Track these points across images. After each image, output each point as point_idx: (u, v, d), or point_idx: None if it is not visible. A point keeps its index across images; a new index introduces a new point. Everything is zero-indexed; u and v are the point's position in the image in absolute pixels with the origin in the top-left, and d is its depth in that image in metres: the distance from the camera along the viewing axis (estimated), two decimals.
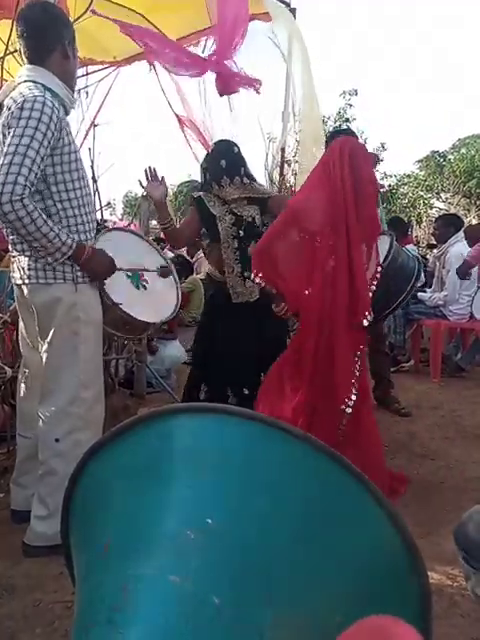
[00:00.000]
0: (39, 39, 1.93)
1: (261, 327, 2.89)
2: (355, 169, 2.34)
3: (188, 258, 8.95)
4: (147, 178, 2.74)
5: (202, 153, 4.94)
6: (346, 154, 2.35)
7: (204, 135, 4.91)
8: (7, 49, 2.71)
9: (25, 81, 1.90)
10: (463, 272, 4.60)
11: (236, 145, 2.94)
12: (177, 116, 5.07)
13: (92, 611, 0.82)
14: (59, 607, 1.70)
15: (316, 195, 2.43)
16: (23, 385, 2.19)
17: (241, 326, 2.86)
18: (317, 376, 2.38)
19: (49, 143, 1.80)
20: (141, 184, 2.75)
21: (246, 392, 2.85)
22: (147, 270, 2.61)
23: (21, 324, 2.16)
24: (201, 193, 2.90)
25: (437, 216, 5.41)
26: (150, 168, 2.74)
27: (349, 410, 2.33)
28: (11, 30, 2.14)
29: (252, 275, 2.63)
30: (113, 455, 0.96)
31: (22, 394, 2.19)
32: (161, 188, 2.75)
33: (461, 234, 5.00)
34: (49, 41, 1.93)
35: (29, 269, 1.93)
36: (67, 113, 1.97)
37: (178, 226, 3.00)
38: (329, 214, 2.35)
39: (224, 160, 2.85)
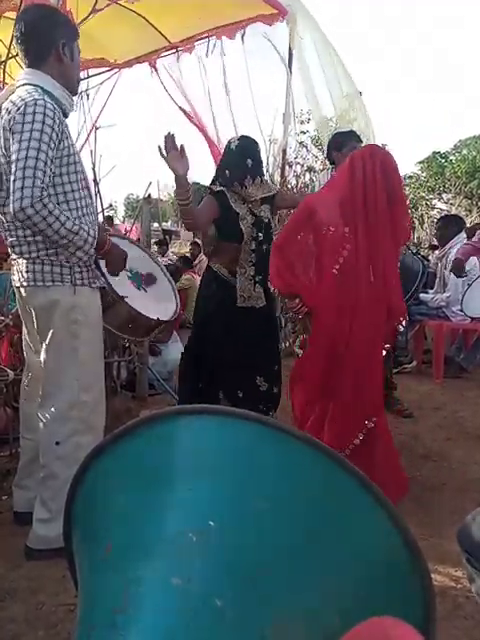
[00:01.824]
0: (33, 42, 1.93)
1: (261, 333, 2.86)
2: (387, 174, 2.36)
3: (189, 258, 8.98)
4: (166, 147, 2.50)
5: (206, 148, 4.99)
6: (378, 159, 2.38)
7: (207, 132, 4.93)
8: (9, 53, 2.72)
9: (23, 84, 1.90)
10: (457, 269, 4.59)
11: (257, 143, 2.88)
12: (182, 110, 5.09)
13: (94, 614, 0.82)
14: (61, 610, 1.70)
15: (332, 194, 2.45)
16: (26, 388, 2.19)
17: (244, 330, 2.80)
18: (340, 377, 2.39)
19: (55, 144, 1.82)
20: (161, 153, 2.50)
21: (240, 395, 2.83)
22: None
23: (24, 327, 2.16)
24: (222, 188, 2.78)
25: (439, 217, 5.41)
26: (170, 134, 2.51)
27: (371, 425, 2.36)
28: (13, 34, 2.15)
29: (270, 284, 2.61)
30: (115, 458, 0.96)
31: (25, 397, 2.19)
32: (184, 160, 2.51)
33: (463, 235, 5.00)
34: (42, 44, 1.92)
35: (27, 271, 1.93)
36: (65, 116, 1.98)
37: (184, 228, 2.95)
38: (344, 209, 2.37)
39: (250, 159, 2.77)
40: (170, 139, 2.50)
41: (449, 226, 5.10)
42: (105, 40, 4.47)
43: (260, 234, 2.78)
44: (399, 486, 2.41)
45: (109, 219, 11.71)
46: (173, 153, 2.49)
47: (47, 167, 1.78)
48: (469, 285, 4.69)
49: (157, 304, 2.62)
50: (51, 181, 1.88)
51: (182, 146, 2.51)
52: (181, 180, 2.55)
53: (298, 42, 4.27)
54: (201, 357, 2.88)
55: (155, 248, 7.98)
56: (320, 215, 2.39)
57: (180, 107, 5.10)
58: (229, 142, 2.88)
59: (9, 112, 1.83)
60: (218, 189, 2.77)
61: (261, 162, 2.86)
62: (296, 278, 2.43)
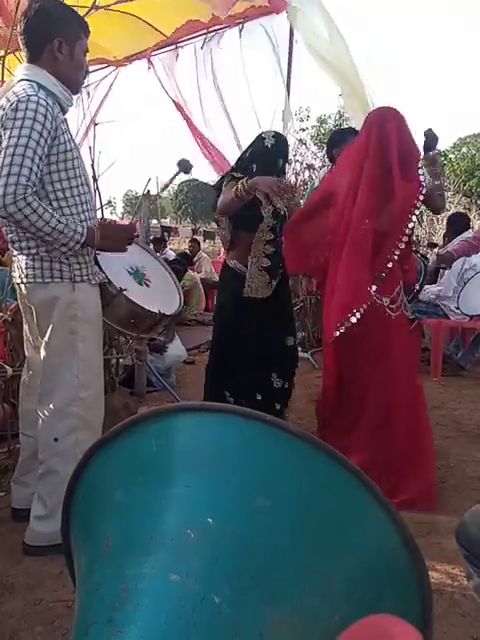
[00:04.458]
0: (31, 38, 1.91)
1: (275, 327, 2.84)
2: (383, 137, 2.31)
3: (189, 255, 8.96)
4: (286, 191, 2.49)
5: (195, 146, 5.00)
6: (376, 124, 2.35)
7: (202, 132, 4.94)
8: (8, 48, 2.71)
9: (20, 80, 1.89)
10: (444, 261, 4.57)
11: (288, 142, 2.92)
12: (175, 103, 5.10)
13: (92, 610, 0.82)
14: (59, 606, 1.70)
15: (342, 171, 2.44)
16: (26, 384, 2.19)
17: (259, 324, 2.78)
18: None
19: (46, 142, 1.80)
20: (273, 189, 2.43)
21: (259, 397, 2.82)
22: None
23: (25, 323, 2.15)
24: (244, 176, 2.67)
25: (448, 216, 5.44)
26: (288, 187, 2.55)
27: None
28: (11, 29, 2.14)
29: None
30: (114, 454, 0.96)
31: (25, 393, 2.19)
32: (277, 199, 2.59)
33: (470, 232, 4.98)
34: (37, 40, 1.91)
35: (27, 268, 1.92)
36: (64, 112, 1.96)
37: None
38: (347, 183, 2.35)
39: (282, 159, 2.76)
40: (285, 188, 2.48)
41: (454, 224, 5.10)
42: (104, 36, 4.45)
43: (277, 225, 2.77)
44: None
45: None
46: (276, 193, 2.46)
47: (34, 164, 1.76)
48: (465, 282, 4.69)
49: (159, 299, 2.61)
50: (48, 178, 1.87)
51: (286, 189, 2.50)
52: (247, 198, 2.52)
53: (309, 25, 4.13)
54: (226, 355, 2.84)
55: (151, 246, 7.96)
56: (334, 197, 2.37)
57: (173, 100, 5.11)
58: (262, 137, 2.78)
59: (3, 108, 1.82)
60: (239, 176, 2.68)
61: (286, 164, 2.87)
62: (308, 257, 2.46)
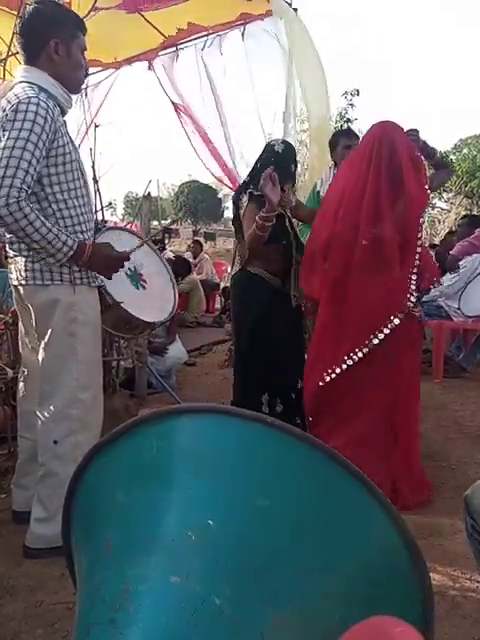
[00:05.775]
0: (28, 39, 1.91)
1: (298, 331, 2.92)
2: (391, 155, 2.35)
3: (188, 258, 8.95)
4: (265, 182, 2.47)
5: (200, 145, 5.02)
6: (383, 140, 2.38)
7: (200, 126, 4.95)
8: (9, 50, 2.72)
9: (20, 82, 1.89)
10: (450, 266, 4.57)
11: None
12: (174, 103, 5.11)
13: (93, 611, 0.82)
14: (60, 608, 1.70)
15: (351, 187, 2.45)
16: (22, 386, 2.18)
17: (292, 329, 2.84)
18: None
19: (45, 144, 1.79)
20: (260, 186, 2.50)
21: (293, 396, 2.83)
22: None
23: (20, 325, 2.15)
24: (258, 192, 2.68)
25: (462, 216, 5.45)
26: (272, 173, 2.49)
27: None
28: (13, 31, 2.14)
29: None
30: (114, 456, 0.96)
31: (22, 395, 2.19)
32: (277, 191, 2.51)
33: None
34: (36, 41, 1.90)
35: (26, 270, 1.92)
36: (64, 113, 1.96)
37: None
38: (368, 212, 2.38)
39: (293, 165, 2.77)
40: (271, 176, 2.47)
41: (467, 226, 5.11)
42: (105, 38, 4.45)
43: (291, 233, 2.81)
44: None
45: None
46: (273, 188, 2.47)
47: (31, 167, 1.75)
48: (467, 283, 4.68)
49: (154, 302, 2.61)
50: (47, 180, 1.86)
51: (276, 177, 2.50)
52: (273, 209, 2.53)
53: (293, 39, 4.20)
54: (260, 363, 2.78)
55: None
56: (351, 225, 2.39)
57: (172, 101, 5.12)
58: (272, 144, 2.81)
59: (4, 110, 1.82)
60: (256, 193, 2.67)
61: (296, 170, 2.88)
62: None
